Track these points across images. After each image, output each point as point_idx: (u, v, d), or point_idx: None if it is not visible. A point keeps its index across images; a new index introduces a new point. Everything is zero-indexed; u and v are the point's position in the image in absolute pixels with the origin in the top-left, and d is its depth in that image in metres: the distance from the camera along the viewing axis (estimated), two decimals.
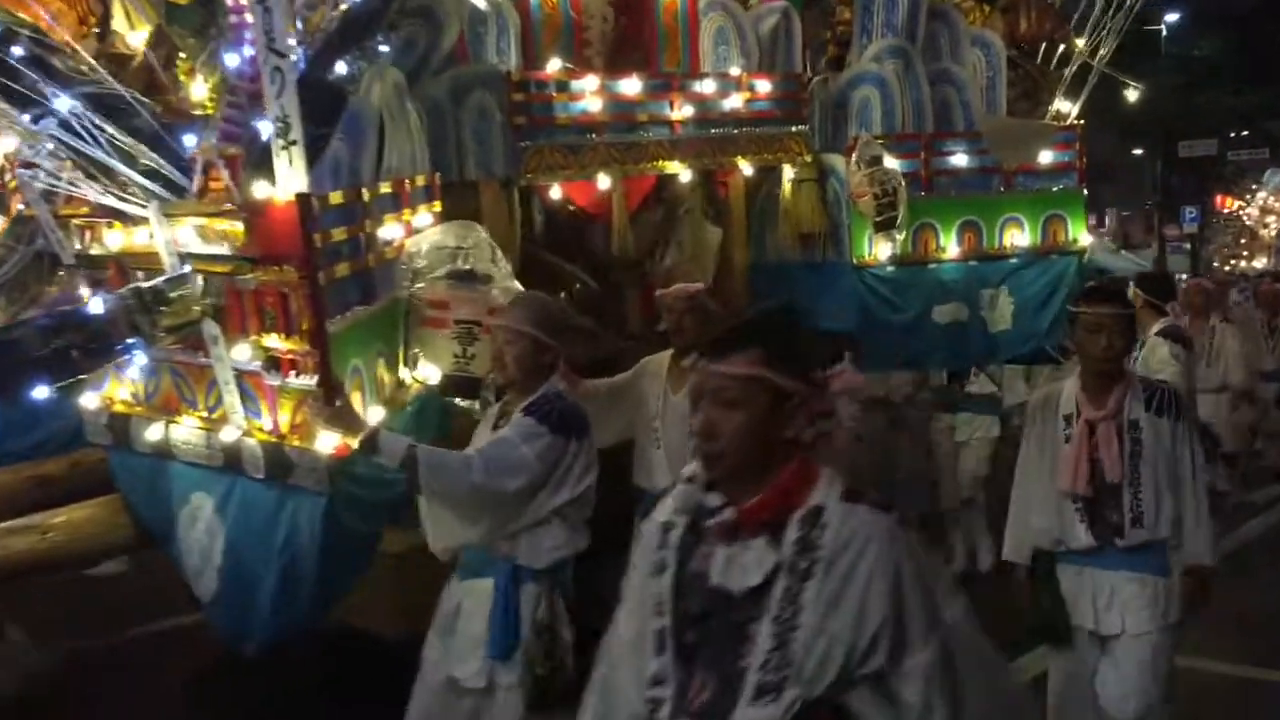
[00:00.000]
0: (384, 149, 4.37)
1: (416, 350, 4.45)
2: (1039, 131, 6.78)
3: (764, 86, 6.30)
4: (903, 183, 6.32)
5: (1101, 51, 6.99)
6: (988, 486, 7.99)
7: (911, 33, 6.70)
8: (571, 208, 6.17)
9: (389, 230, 4.38)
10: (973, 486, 8.04)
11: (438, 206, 4.79)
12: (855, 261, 6.52)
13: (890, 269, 6.55)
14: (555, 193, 5.81)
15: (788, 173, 6.55)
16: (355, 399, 3.98)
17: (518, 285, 4.69)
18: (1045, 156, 6.78)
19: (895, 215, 6.34)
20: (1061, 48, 7.20)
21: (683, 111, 5.94)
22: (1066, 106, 7.04)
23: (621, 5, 6.22)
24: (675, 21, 6.34)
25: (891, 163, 6.34)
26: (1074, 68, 7.05)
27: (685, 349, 5.26)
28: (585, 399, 5.42)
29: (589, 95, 5.57)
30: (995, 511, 7.98)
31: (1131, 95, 7.80)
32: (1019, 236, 6.75)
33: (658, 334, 5.67)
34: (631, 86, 5.74)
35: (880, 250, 6.50)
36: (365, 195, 4.13)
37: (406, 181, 4.50)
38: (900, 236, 6.46)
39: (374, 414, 4.02)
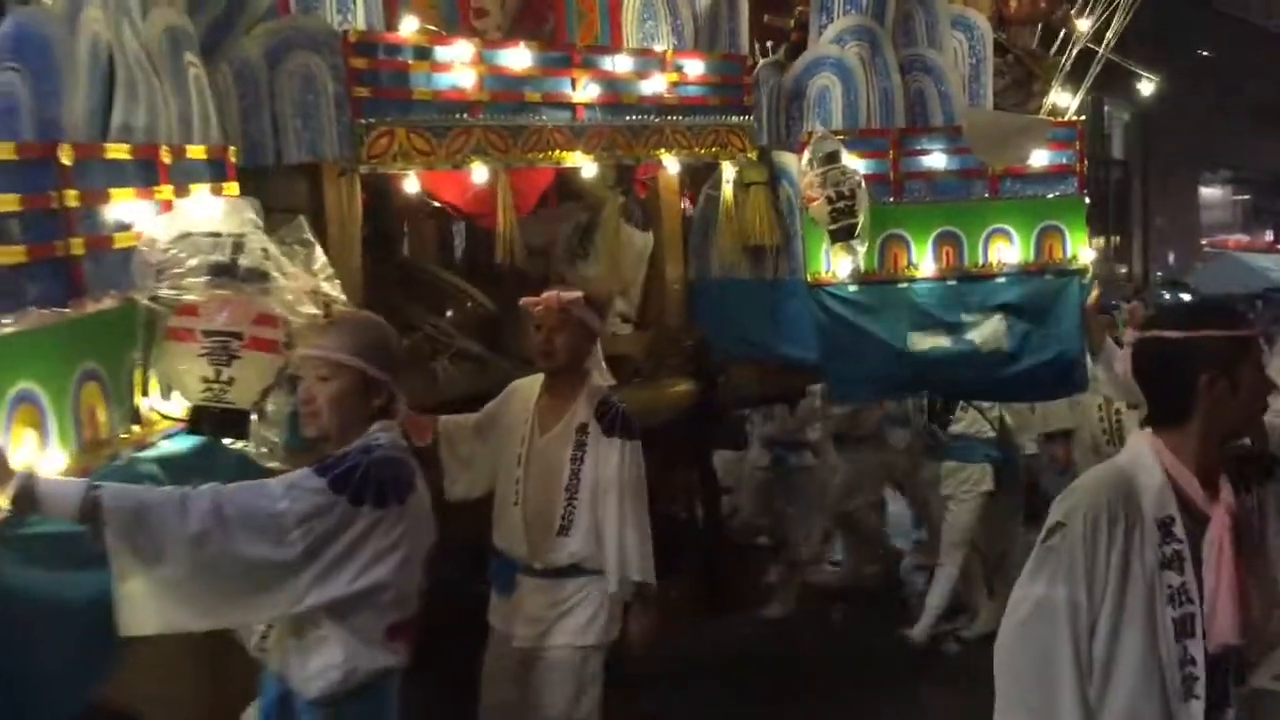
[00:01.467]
0: (115, 98, 3.33)
1: (158, 371, 3.36)
2: (1031, 128, 5.69)
3: (695, 68, 5.31)
4: (862, 184, 5.32)
5: (1109, 34, 5.91)
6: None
7: (880, 11, 5.75)
8: (436, 204, 5.16)
9: (124, 210, 3.32)
10: (952, 549, 6.90)
11: (233, 189, 3.76)
12: (810, 279, 5.52)
13: (852, 288, 5.55)
14: (412, 185, 4.78)
15: (728, 172, 5.57)
16: (22, 439, 2.85)
17: (337, 293, 3.67)
18: (1039, 158, 5.69)
19: (854, 223, 5.33)
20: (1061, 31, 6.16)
21: (588, 92, 4.93)
22: (1065, 99, 5.96)
23: None
24: None
25: (851, 161, 5.34)
26: (1074, 53, 5.98)
27: (556, 375, 4.26)
28: (449, 443, 4.42)
29: (460, 66, 4.54)
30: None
31: (1146, 88, 6.69)
32: (1007, 252, 5.64)
33: None
34: (519, 58, 4.72)
35: (839, 265, 5.51)
36: (65, 155, 3.08)
37: (165, 149, 3.46)
38: (862, 249, 5.43)
39: (53, 461, 2.90)
